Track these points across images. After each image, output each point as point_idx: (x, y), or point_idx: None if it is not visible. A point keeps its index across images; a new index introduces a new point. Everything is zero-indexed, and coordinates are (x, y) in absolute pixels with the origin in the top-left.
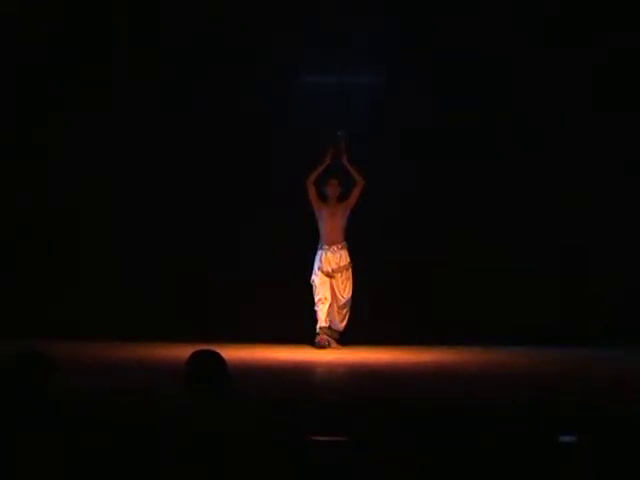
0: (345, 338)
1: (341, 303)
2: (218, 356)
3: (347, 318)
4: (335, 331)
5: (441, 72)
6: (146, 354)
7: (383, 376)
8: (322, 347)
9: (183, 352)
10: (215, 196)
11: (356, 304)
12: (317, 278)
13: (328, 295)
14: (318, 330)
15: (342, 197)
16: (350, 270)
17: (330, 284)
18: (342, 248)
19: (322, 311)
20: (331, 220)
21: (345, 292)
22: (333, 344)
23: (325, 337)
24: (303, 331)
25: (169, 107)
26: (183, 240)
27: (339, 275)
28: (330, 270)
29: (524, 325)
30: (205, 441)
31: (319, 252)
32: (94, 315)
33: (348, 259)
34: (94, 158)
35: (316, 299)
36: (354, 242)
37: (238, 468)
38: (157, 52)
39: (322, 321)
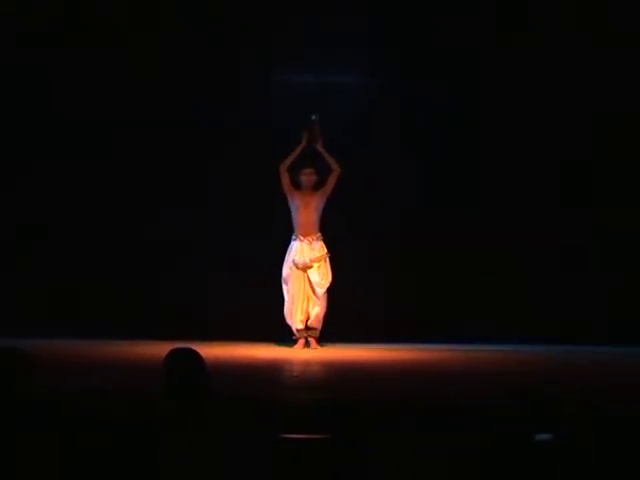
0: (324, 336)
1: (318, 295)
2: (196, 354)
3: (324, 312)
4: (313, 329)
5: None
6: (127, 353)
7: (361, 375)
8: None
9: (164, 350)
10: (196, 197)
11: (336, 301)
12: (290, 272)
13: (301, 294)
14: (296, 334)
15: (318, 186)
16: (327, 262)
17: (306, 278)
18: (317, 239)
19: (295, 313)
20: (306, 210)
21: (322, 283)
22: (313, 345)
23: (303, 341)
24: (284, 329)
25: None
26: (160, 236)
27: (316, 266)
28: (307, 262)
29: (511, 323)
30: (183, 439)
31: (293, 243)
32: (66, 314)
33: (325, 250)
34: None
35: (287, 297)
36: (333, 236)
37: (214, 465)
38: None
39: (297, 323)
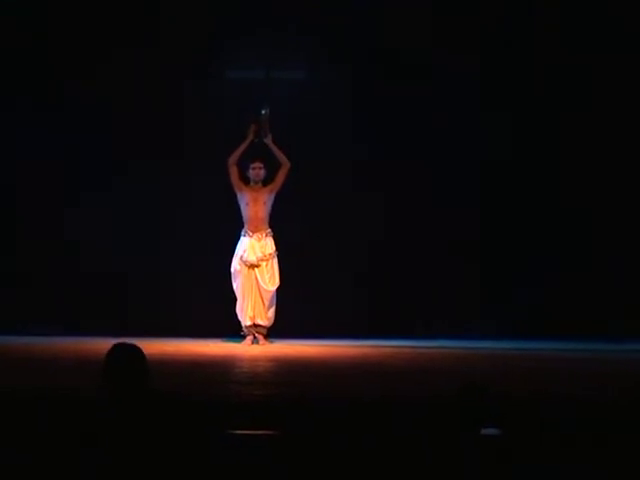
0: (273, 332)
1: (266, 294)
2: (137, 350)
3: (273, 311)
4: (262, 327)
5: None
6: (75, 349)
7: (309, 370)
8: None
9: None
10: (142, 193)
11: (284, 296)
12: (239, 269)
13: (249, 291)
14: (244, 330)
15: (267, 181)
16: (275, 259)
17: (254, 275)
18: (267, 236)
19: (244, 309)
20: (255, 205)
21: (270, 282)
22: (261, 341)
23: (251, 337)
24: (234, 325)
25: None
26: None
27: (264, 264)
28: (255, 259)
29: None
30: (122, 437)
31: (242, 239)
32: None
33: (273, 247)
34: None
35: (236, 293)
36: (282, 230)
37: (155, 465)
38: None
39: (246, 319)
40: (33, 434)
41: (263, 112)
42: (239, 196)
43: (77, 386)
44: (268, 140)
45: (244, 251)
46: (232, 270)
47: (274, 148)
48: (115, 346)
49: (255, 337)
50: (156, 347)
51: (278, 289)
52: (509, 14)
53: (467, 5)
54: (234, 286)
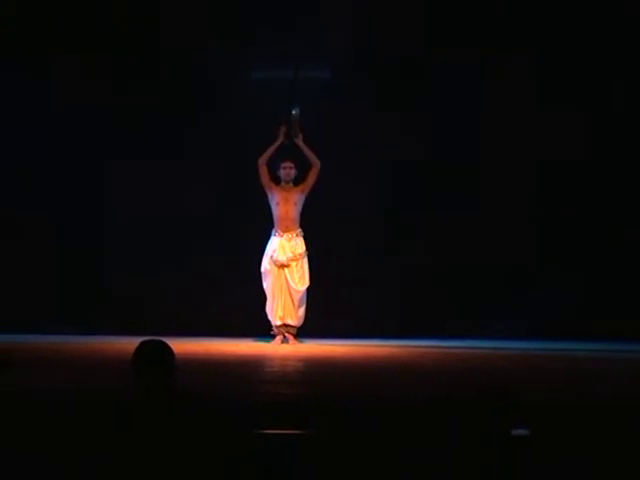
0: (302, 331)
1: (296, 294)
2: (165, 346)
3: (303, 311)
4: (292, 326)
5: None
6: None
7: (338, 370)
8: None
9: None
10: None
11: (314, 296)
12: (269, 269)
13: (279, 290)
14: (274, 329)
15: (297, 181)
16: (306, 259)
17: (284, 275)
18: (297, 236)
19: (274, 309)
20: (285, 205)
21: (300, 283)
22: (291, 341)
23: (281, 337)
24: (264, 324)
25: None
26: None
27: (294, 265)
28: (285, 259)
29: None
30: (150, 436)
31: (272, 239)
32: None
33: (304, 247)
34: None
35: (267, 293)
36: (312, 230)
37: (184, 464)
38: None
39: (276, 319)
40: (67, 433)
41: (293, 112)
42: (269, 196)
43: (108, 385)
44: (299, 140)
45: (274, 251)
46: (262, 270)
47: (305, 148)
48: (143, 343)
49: (285, 337)
50: (186, 346)
51: (308, 289)
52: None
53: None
54: (264, 285)
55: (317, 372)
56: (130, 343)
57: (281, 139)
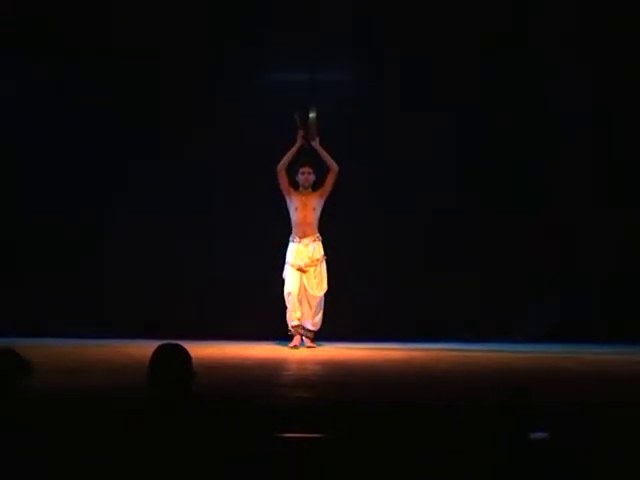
0: (320, 335)
1: (313, 300)
2: (183, 351)
3: (320, 316)
4: (310, 331)
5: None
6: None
7: (355, 373)
8: (296, 348)
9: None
10: (189, 202)
11: (332, 299)
12: (288, 273)
13: (297, 291)
14: (291, 330)
15: (316, 186)
16: (324, 264)
17: (302, 280)
18: (315, 240)
19: (293, 309)
20: (304, 210)
21: (317, 288)
22: (307, 343)
23: (299, 338)
24: (282, 329)
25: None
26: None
27: (312, 270)
28: (302, 264)
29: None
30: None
31: (291, 245)
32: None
33: (322, 252)
34: None
35: (285, 294)
36: (329, 235)
37: (201, 466)
38: None
39: (294, 320)
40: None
41: (311, 115)
42: (288, 201)
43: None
44: (315, 144)
45: (292, 257)
46: (283, 277)
47: (322, 152)
48: (161, 346)
49: (302, 338)
50: (203, 350)
51: (327, 293)
52: None
53: None
54: (285, 290)
55: (334, 375)
56: (141, 346)
57: (300, 143)
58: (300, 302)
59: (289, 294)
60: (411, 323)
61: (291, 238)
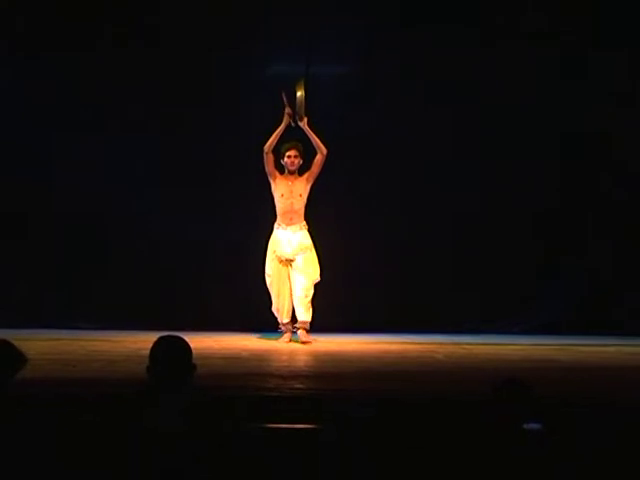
0: (313, 327)
1: (303, 291)
2: (183, 342)
3: (311, 306)
4: (302, 322)
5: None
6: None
7: (349, 365)
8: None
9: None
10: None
11: (325, 289)
12: (272, 266)
13: (284, 288)
14: (282, 327)
15: (303, 171)
16: (313, 252)
17: (289, 270)
18: (301, 228)
19: (280, 309)
20: (290, 197)
21: (307, 277)
22: (303, 338)
23: (289, 335)
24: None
25: None
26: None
27: (299, 258)
28: (289, 253)
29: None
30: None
31: (275, 232)
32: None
33: (309, 240)
34: None
35: (271, 290)
36: (322, 222)
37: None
38: None
39: (283, 317)
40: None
41: (298, 94)
42: (273, 187)
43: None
44: (303, 124)
45: (277, 246)
46: (266, 267)
47: (310, 133)
48: (161, 338)
49: (294, 333)
50: (197, 341)
51: (318, 283)
52: None
53: None
54: (267, 282)
55: (328, 367)
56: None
57: (286, 122)
58: (288, 294)
59: (277, 291)
60: (405, 315)
61: (276, 225)
